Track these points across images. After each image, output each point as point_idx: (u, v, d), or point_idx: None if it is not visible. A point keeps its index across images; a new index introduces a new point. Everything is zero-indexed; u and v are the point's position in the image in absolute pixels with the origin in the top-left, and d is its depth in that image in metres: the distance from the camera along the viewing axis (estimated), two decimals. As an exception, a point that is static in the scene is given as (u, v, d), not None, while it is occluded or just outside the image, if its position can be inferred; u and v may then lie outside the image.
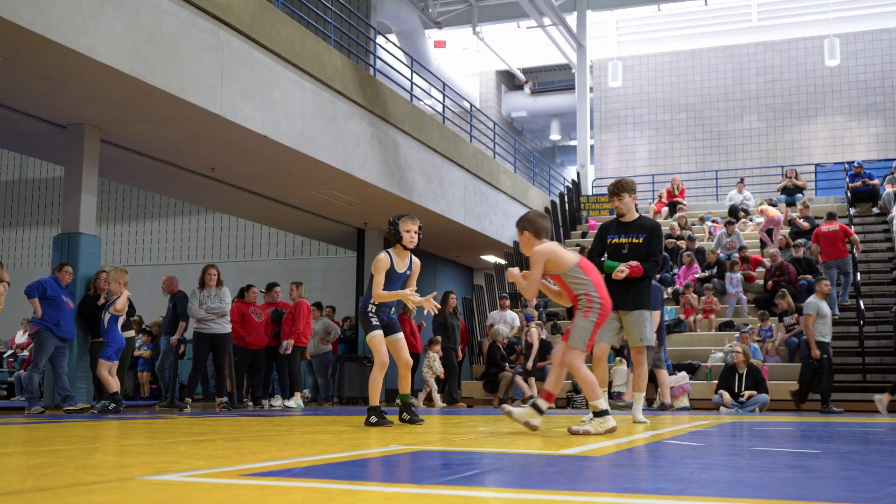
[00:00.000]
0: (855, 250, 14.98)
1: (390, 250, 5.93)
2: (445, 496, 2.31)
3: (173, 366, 11.95)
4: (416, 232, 5.91)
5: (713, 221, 18.63)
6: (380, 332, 5.90)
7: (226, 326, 10.61)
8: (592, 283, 4.82)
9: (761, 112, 23.93)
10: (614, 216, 6.96)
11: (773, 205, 19.14)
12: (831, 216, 15.10)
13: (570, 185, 21.60)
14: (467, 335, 15.29)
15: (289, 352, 11.61)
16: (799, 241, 15.62)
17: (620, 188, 6.75)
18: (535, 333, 13.45)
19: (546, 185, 23.60)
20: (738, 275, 14.88)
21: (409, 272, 6.00)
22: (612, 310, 6.57)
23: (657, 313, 11.86)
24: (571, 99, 25.46)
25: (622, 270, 6.49)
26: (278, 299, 12.25)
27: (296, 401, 11.59)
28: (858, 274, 14.73)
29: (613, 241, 6.77)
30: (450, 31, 23.74)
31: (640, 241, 6.65)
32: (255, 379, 11.85)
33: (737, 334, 13.09)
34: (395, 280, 5.92)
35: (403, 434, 4.95)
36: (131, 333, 10.30)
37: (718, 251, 15.97)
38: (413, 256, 6.05)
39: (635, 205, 6.89)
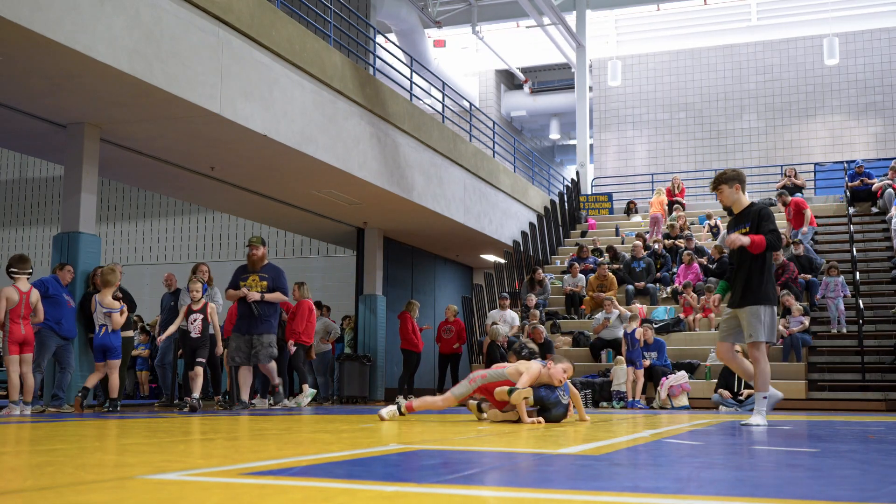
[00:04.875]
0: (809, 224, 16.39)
1: None
2: (445, 495, 2.31)
3: (173, 363, 11.91)
4: None
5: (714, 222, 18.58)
6: None
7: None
8: None
9: (760, 111, 23.93)
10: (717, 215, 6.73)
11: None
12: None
13: (570, 185, 21.60)
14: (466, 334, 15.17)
15: (291, 352, 11.62)
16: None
17: (716, 181, 6.44)
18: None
19: (545, 185, 23.59)
20: (840, 279, 13.60)
21: None
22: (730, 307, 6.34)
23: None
24: (571, 98, 25.48)
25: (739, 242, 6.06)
26: (280, 300, 12.23)
27: (302, 398, 11.41)
28: (858, 273, 14.70)
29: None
30: (449, 31, 23.75)
31: (747, 230, 6.22)
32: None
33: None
34: None
35: (403, 433, 4.95)
36: (130, 333, 10.30)
37: (726, 250, 15.92)
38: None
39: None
